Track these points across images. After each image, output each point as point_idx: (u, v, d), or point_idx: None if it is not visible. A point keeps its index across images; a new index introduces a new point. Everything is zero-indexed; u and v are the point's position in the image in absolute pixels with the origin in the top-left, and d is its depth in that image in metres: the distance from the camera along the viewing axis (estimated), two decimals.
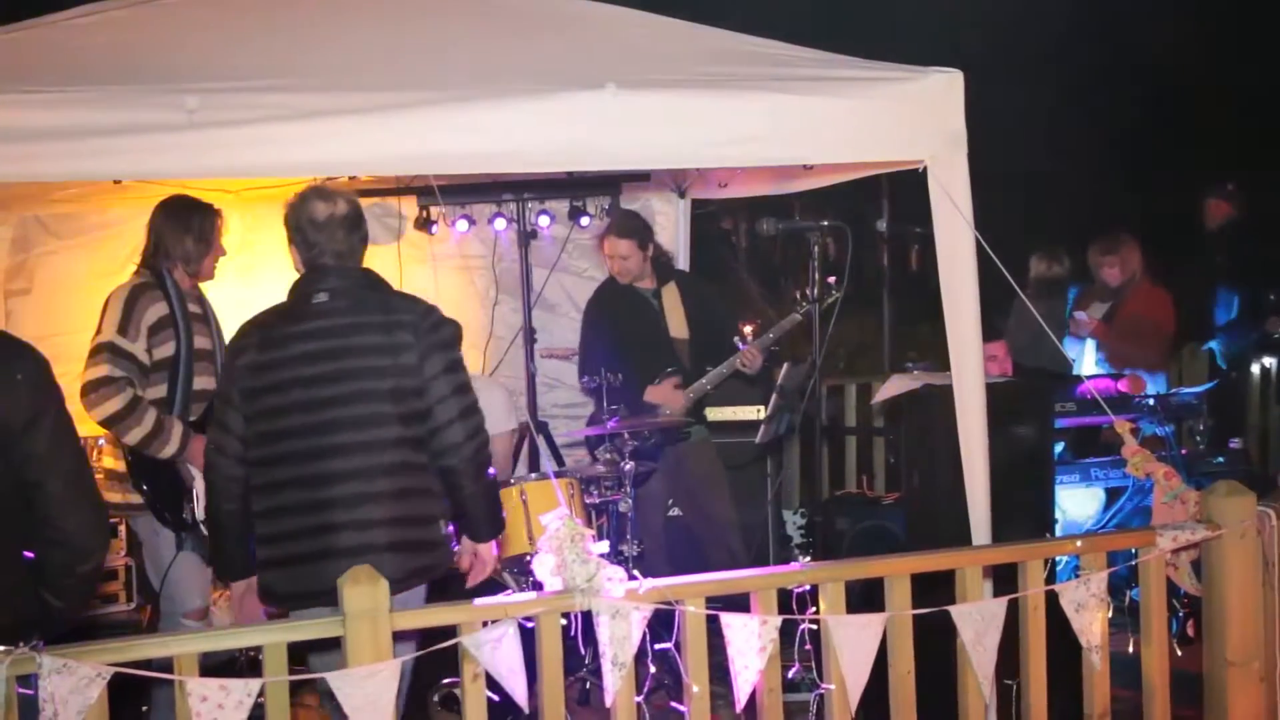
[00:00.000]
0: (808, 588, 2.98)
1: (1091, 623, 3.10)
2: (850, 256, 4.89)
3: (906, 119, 3.66)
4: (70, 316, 5.00)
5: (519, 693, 2.76)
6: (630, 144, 3.52)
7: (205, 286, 4.38)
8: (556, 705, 2.84)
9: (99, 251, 5.36)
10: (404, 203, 5.90)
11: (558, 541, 2.78)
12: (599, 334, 5.35)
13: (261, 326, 3.40)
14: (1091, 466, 5.62)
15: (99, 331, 3.99)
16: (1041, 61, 12.53)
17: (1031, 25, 12.07)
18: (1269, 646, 3.22)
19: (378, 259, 5.60)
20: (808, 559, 5.69)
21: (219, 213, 4.29)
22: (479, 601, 2.80)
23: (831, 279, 4.85)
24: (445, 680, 4.11)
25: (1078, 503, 5.71)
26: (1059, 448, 5.77)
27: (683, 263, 6.23)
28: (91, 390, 3.89)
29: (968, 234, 3.65)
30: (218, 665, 3.68)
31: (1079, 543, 3.23)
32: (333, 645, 2.78)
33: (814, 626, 3.00)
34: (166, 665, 2.57)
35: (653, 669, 2.99)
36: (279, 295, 3.47)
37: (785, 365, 5.42)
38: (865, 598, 3.20)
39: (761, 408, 5.82)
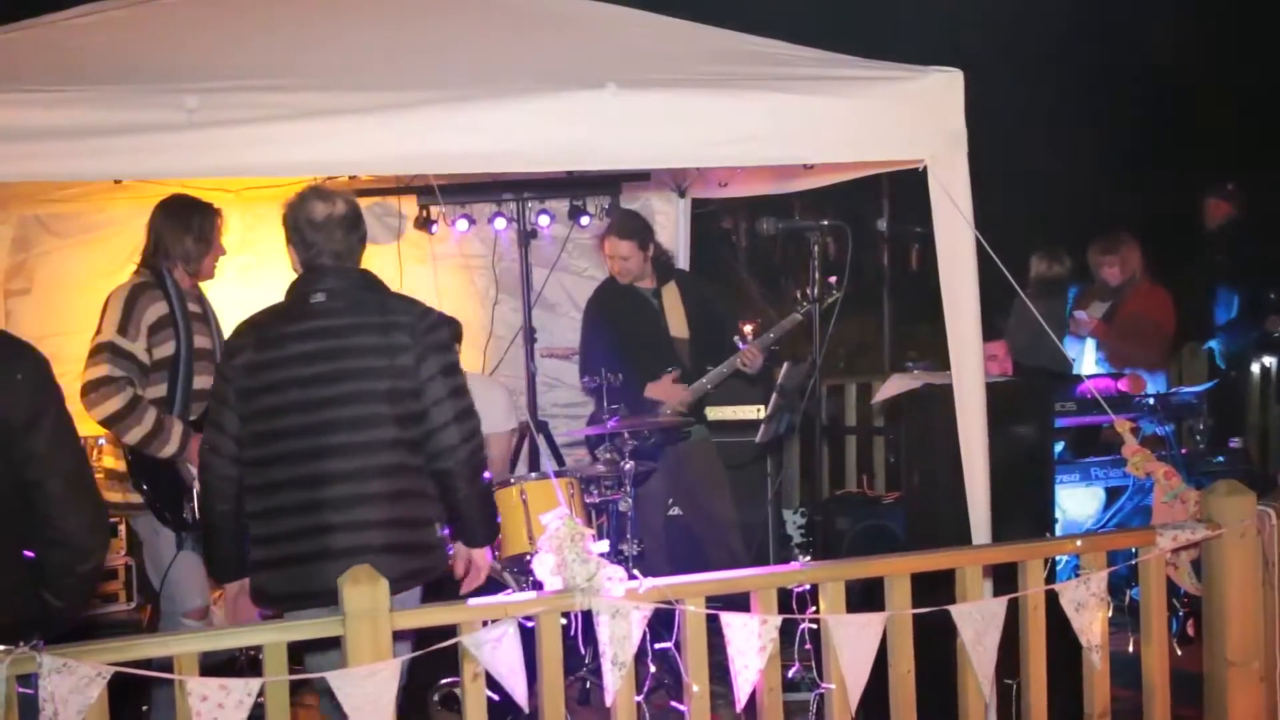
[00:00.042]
0: (808, 587, 2.98)
1: (1091, 622, 3.10)
2: (850, 256, 4.89)
3: (906, 119, 3.66)
4: (70, 316, 5.00)
5: (519, 692, 2.75)
6: (630, 144, 3.52)
7: (205, 286, 4.38)
8: (556, 705, 2.84)
9: (99, 251, 5.36)
10: (404, 202, 5.91)
11: (558, 541, 2.78)
12: (599, 334, 5.35)
13: (258, 326, 3.40)
14: (1091, 466, 5.62)
15: (99, 331, 3.99)
16: (1041, 61, 12.53)
17: (1032, 25, 12.06)
18: (1269, 646, 3.22)
19: (378, 259, 5.65)
20: (808, 558, 5.69)
21: (219, 212, 4.30)
22: (479, 601, 2.80)
23: (832, 279, 4.85)
24: (445, 680, 4.11)
25: (1078, 502, 5.71)
26: (1059, 447, 5.77)
27: (683, 262, 6.23)
28: (91, 390, 3.89)
29: (968, 234, 3.65)
30: (218, 665, 3.68)
31: (1079, 542, 3.23)
32: (329, 645, 2.78)
33: (814, 626, 3.00)
34: (166, 665, 2.57)
35: (653, 668, 2.99)
36: (279, 295, 3.47)
37: (785, 365, 5.42)
38: (865, 597, 3.20)
39: (761, 407, 5.82)
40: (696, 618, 2.88)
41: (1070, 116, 13.31)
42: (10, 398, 2.69)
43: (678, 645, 2.91)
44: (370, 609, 2.62)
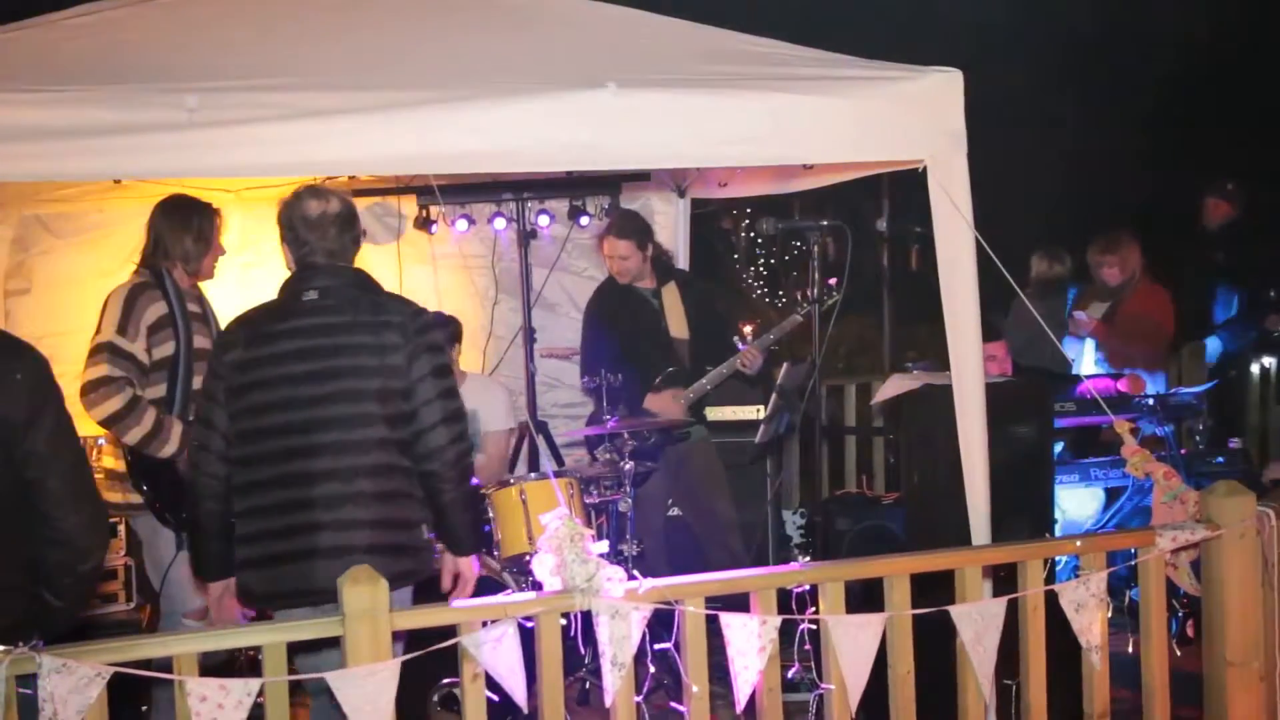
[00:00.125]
0: (807, 588, 2.98)
1: (1091, 623, 3.10)
2: (850, 256, 4.89)
3: (906, 119, 3.66)
4: (70, 316, 5.01)
5: (518, 693, 2.75)
6: (630, 144, 3.52)
7: (205, 286, 4.38)
8: (556, 705, 2.84)
9: (98, 251, 5.36)
10: (404, 202, 5.91)
11: (557, 541, 2.78)
12: (599, 334, 5.35)
13: (249, 323, 3.39)
14: (1091, 466, 5.62)
15: (98, 331, 3.99)
16: (1042, 61, 12.53)
17: (1032, 25, 12.06)
18: (1269, 646, 3.22)
19: (378, 259, 5.68)
20: (807, 559, 5.70)
21: (218, 212, 4.30)
22: (479, 601, 2.80)
23: (832, 280, 4.85)
24: (445, 680, 4.11)
25: (1078, 502, 5.71)
26: (1059, 448, 5.78)
27: (682, 262, 6.23)
28: (91, 390, 3.89)
29: (968, 234, 3.65)
30: (217, 665, 3.68)
31: (1079, 543, 3.23)
32: (322, 645, 2.78)
33: (814, 627, 3.00)
34: (166, 665, 2.56)
35: (652, 669, 2.99)
36: None
37: (785, 365, 5.42)
38: (865, 598, 3.20)
39: (761, 408, 5.82)
40: (696, 618, 2.88)
41: (1070, 116, 13.31)
42: (9, 397, 2.69)
43: (677, 646, 2.91)
44: (370, 609, 2.62)
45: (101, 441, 4.35)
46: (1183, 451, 5.68)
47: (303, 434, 3.26)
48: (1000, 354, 5.81)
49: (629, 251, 5.27)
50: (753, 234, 13.28)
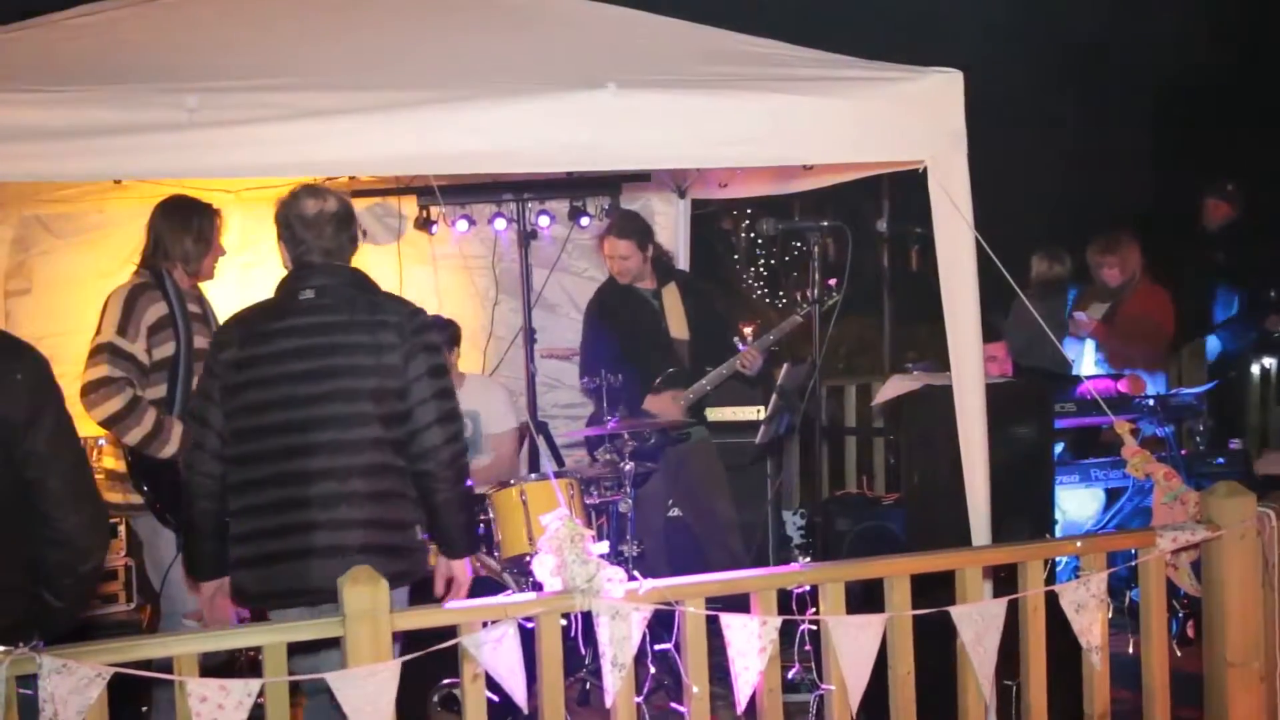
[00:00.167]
0: (807, 588, 2.98)
1: (1091, 623, 3.10)
2: (850, 257, 4.89)
3: (906, 120, 3.65)
4: (70, 316, 5.00)
5: (519, 693, 2.75)
6: (630, 144, 3.51)
7: (205, 286, 4.38)
8: (556, 706, 2.84)
9: (99, 251, 5.36)
10: (404, 203, 5.91)
11: (557, 542, 2.78)
12: (599, 334, 5.35)
13: (245, 322, 3.39)
14: (1091, 467, 5.63)
15: (98, 332, 3.99)
16: (1042, 61, 12.53)
17: (1032, 25, 12.07)
18: (1269, 647, 3.22)
19: (378, 259, 5.68)
20: (807, 559, 5.69)
21: (218, 212, 4.30)
22: (479, 602, 2.80)
23: (832, 281, 4.85)
24: (445, 681, 4.11)
25: (1078, 503, 5.71)
26: (1059, 448, 5.77)
27: (682, 263, 6.23)
28: (91, 390, 3.89)
29: (968, 234, 3.65)
30: (217, 665, 3.68)
31: (1079, 543, 3.23)
32: (318, 645, 2.78)
33: (814, 627, 3.00)
34: (166, 665, 2.56)
35: (652, 669, 2.99)
36: None
37: (785, 366, 5.42)
38: (865, 599, 3.20)
39: (761, 408, 5.82)
40: (696, 619, 2.88)
41: (1070, 116, 13.32)
42: (10, 397, 2.68)
43: (677, 646, 2.91)
44: (370, 609, 2.62)
45: (102, 442, 4.35)
46: (1183, 452, 5.68)
47: (301, 432, 3.26)
48: (1000, 354, 5.81)
49: (630, 252, 5.27)
50: (753, 235, 13.29)
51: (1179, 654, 4.48)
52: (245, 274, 5.44)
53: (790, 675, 3.14)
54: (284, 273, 3.46)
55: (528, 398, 5.81)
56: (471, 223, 5.83)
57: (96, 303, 4.09)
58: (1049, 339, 4.88)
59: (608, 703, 2.86)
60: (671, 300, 5.41)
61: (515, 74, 3.57)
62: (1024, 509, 4.19)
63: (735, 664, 2.87)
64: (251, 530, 3.29)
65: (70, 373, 3.77)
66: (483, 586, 3.57)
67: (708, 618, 2.88)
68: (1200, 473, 5.32)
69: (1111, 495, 5.72)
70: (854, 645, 2.94)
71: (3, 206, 5.29)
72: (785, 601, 2.94)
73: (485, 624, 2.74)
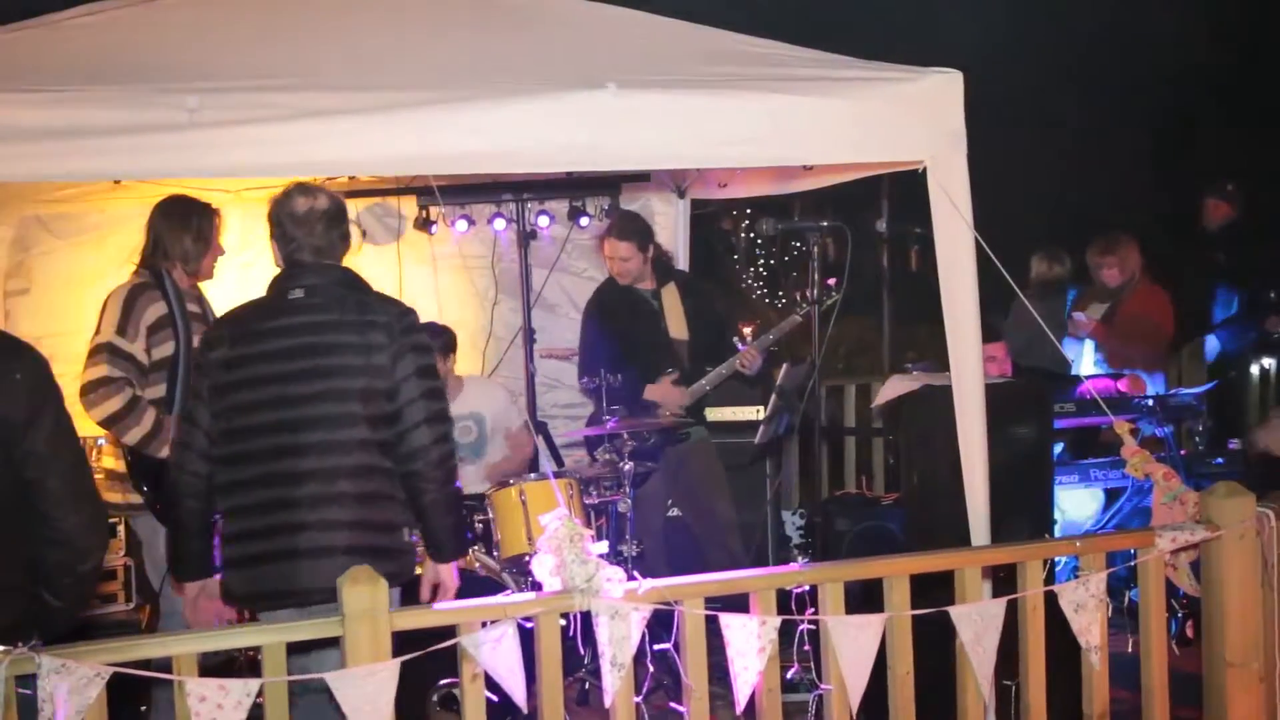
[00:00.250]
0: (807, 588, 2.98)
1: (1091, 623, 3.10)
2: (850, 257, 4.89)
3: (906, 120, 3.65)
4: (69, 316, 5.01)
5: (518, 693, 2.75)
6: (630, 144, 3.51)
7: (204, 286, 4.39)
8: (555, 705, 2.84)
9: (98, 251, 5.36)
10: (404, 203, 5.91)
11: (557, 542, 2.78)
12: (599, 334, 5.35)
13: (235, 321, 3.38)
14: (1091, 467, 5.63)
15: (98, 332, 4.00)
16: (1042, 61, 12.53)
17: (1032, 25, 12.06)
18: (1268, 647, 3.22)
19: (378, 259, 5.69)
20: (807, 559, 5.69)
21: (217, 212, 4.30)
22: (478, 602, 2.80)
23: (831, 281, 4.85)
24: (444, 680, 4.11)
25: (1077, 503, 5.71)
26: (1058, 448, 5.77)
27: (682, 263, 6.23)
28: (91, 390, 3.89)
29: (967, 234, 3.65)
30: (217, 665, 3.68)
31: (1078, 543, 3.23)
32: (311, 645, 2.78)
33: (813, 627, 3.00)
34: (165, 665, 2.56)
35: (652, 669, 2.99)
36: None
37: (785, 366, 5.42)
38: (864, 599, 3.20)
39: (761, 408, 5.82)
40: (695, 619, 2.88)
41: (1071, 116, 13.32)
42: (9, 397, 2.69)
43: (677, 646, 2.91)
44: (369, 609, 2.62)
45: (101, 442, 4.35)
46: (1182, 452, 5.69)
47: (291, 433, 3.24)
48: (1000, 355, 5.81)
49: (630, 253, 5.27)
50: (753, 235, 13.28)
51: (1178, 654, 4.47)
52: (244, 274, 5.44)
53: (789, 675, 3.14)
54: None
55: (527, 398, 5.81)
56: (471, 223, 5.83)
57: (96, 303, 4.09)
58: (1048, 339, 4.89)
59: (607, 702, 2.87)
60: (671, 300, 5.41)
61: (515, 74, 3.57)
62: (1023, 509, 4.19)
63: (734, 664, 2.87)
64: (240, 531, 3.28)
65: (70, 373, 3.77)
66: (482, 586, 3.57)
67: (707, 618, 2.88)
68: (1199, 473, 5.32)
69: (1111, 495, 5.72)
70: (853, 645, 2.94)
71: (3, 206, 5.29)
72: (784, 601, 2.95)
73: (484, 624, 2.74)
